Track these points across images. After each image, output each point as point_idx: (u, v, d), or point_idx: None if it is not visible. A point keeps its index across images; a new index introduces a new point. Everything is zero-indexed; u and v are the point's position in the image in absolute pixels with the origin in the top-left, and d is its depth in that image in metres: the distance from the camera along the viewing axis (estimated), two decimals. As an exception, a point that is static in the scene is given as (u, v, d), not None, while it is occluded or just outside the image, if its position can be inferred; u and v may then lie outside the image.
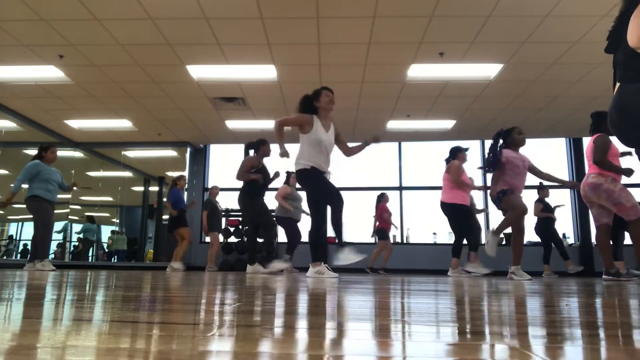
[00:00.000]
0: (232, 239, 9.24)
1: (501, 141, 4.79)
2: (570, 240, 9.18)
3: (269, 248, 5.92)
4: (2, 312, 1.02)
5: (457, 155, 6.01)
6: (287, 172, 7.22)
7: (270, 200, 6.81)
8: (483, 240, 6.55)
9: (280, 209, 7.00)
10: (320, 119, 4.27)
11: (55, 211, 6.02)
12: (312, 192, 4.28)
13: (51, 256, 10.52)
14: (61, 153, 9.91)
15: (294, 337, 0.71)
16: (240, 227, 9.21)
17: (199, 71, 6.38)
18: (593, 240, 9.01)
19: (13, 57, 5.98)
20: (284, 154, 4.19)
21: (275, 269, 5.38)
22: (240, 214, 9.27)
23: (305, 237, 7.69)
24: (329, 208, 4.18)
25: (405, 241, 9.42)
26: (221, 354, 0.57)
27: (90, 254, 10.82)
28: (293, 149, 4.24)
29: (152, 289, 1.97)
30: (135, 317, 0.92)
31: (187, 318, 0.94)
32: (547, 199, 7.50)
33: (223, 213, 9.20)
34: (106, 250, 11.02)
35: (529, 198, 7.24)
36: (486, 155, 4.95)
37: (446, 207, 5.92)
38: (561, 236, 9.16)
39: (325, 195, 4.16)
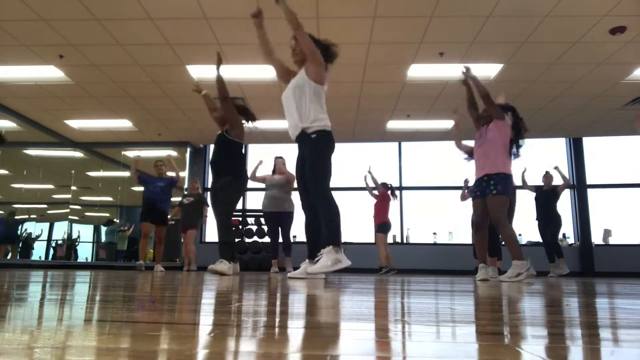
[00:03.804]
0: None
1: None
2: (570, 240, 9.17)
3: (224, 243, 4.84)
4: (2, 312, 1.02)
5: None
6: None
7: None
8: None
9: (264, 202, 6.68)
10: None
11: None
12: (328, 161, 3.27)
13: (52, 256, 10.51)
14: (61, 153, 9.94)
15: (294, 337, 0.71)
16: (240, 227, 9.21)
17: (199, 71, 6.38)
18: (593, 240, 9.01)
19: (13, 57, 5.98)
20: None
21: (214, 269, 4.73)
22: (240, 213, 9.27)
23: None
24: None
25: (405, 241, 9.43)
26: (221, 354, 0.57)
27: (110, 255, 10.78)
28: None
29: (151, 289, 1.97)
30: (135, 317, 0.92)
31: (186, 318, 0.94)
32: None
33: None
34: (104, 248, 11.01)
35: (525, 198, 7.20)
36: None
37: None
38: (561, 236, 9.13)
39: None
